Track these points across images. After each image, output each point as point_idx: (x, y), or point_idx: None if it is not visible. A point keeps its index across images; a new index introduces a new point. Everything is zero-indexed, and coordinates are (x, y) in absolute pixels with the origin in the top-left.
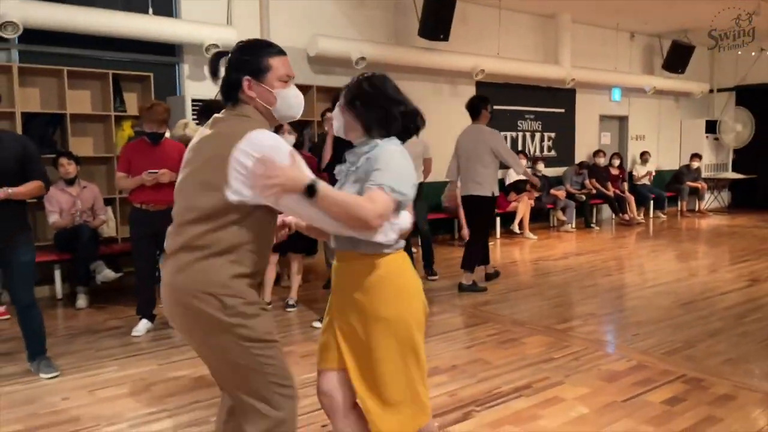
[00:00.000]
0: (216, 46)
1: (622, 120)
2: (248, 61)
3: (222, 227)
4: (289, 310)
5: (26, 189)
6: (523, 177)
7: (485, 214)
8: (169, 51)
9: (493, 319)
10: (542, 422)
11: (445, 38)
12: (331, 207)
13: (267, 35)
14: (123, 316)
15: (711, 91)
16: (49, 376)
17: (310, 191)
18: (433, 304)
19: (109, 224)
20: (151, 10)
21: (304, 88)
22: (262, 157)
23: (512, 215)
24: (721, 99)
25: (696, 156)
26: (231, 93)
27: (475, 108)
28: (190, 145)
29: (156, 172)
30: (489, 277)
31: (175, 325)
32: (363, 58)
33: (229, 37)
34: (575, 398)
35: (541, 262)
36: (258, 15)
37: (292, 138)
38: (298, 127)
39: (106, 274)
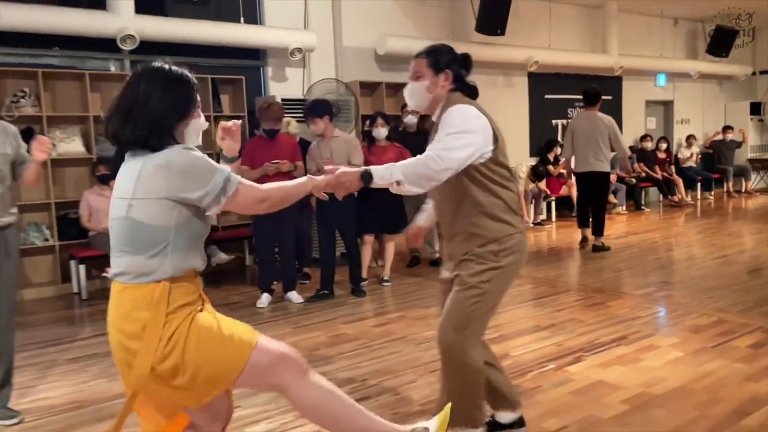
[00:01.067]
0: (299, 50)
1: (668, 105)
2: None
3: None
4: (384, 284)
5: None
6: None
7: (606, 187)
8: (256, 55)
9: (574, 288)
10: (645, 363)
11: (502, 33)
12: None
13: (340, 37)
14: (240, 292)
15: (753, 73)
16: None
17: (366, 179)
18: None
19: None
20: (242, 19)
21: (373, 85)
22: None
23: (568, 198)
24: (763, 81)
25: (728, 128)
26: None
27: (594, 97)
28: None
29: (277, 163)
30: (596, 248)
31: None
32: None
33: (307, 40)
34: (669, 345)
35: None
36: (331, 18)
37: (385, 130)
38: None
39: (220, 256)
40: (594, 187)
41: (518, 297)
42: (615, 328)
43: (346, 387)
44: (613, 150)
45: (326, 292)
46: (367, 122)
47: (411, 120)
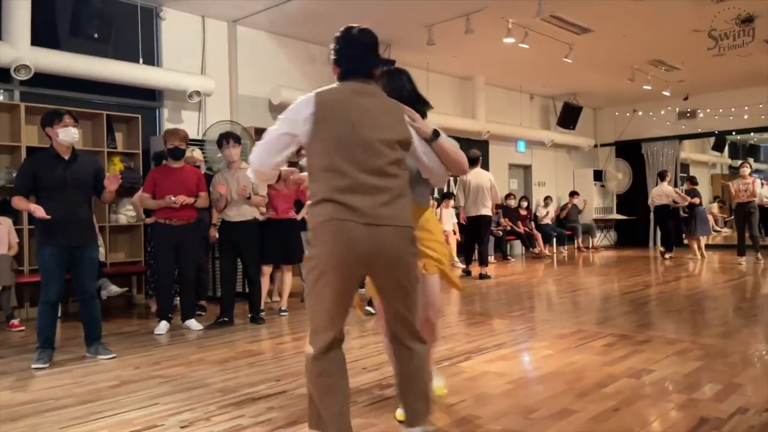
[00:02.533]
0: (198, 93)
1: (527, 168)
2: None
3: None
4: (282, 314)
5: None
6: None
7: (489, 226)
8: (152, 96)
9: (458, 312)
10: (523, 359)
11: None
12: (448, 149)
13: (235, 85)
14: (133, 324)
15: (596, 145)
16: (108, 356)
17: (435, 134)
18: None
19: (100, 250)
20: (141, 59)
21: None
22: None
23: None
24: (604, 152)
25: (575, 194)
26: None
27: (476, 160)
28: None
29: (178, 198)
30: (483, 276)
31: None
32: None
33: (205, 84)
34: (541, 347)
35: (478, 282)
36: (227, 66)
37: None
38: None
39: (111, 289)
40: (481, 226)
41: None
42: (496, 338)
43: (262, 385)
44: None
45: (226, 319)
46: None
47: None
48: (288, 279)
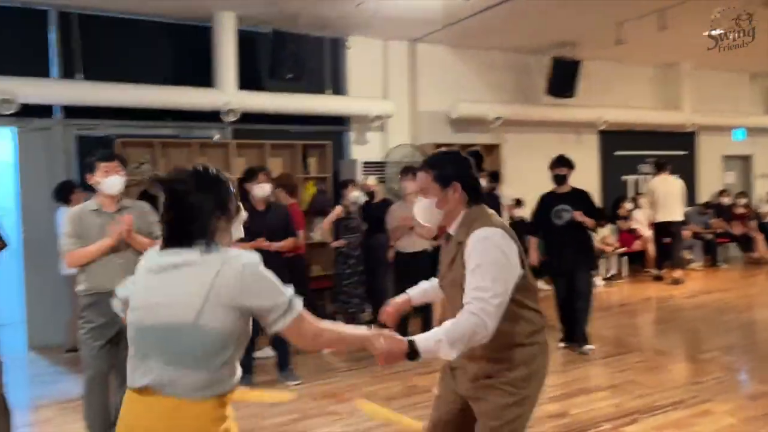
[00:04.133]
0: (379, 117)
1: (746, 159)
2: None
3: None
4: None
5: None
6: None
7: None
8: (340, 122)
9: (639, 348)
10: (697, 428)
11: (571, 95)
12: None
13: (415, 103)
14: None
15: None
16: (296, 383)
17: (411, 356)
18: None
19: None
20: (330, 89)
21: (446, 147)
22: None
23: (641, 254)
24: None
25: None
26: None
27: (663, 165)
28: None
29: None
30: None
31: None
32: (498, 118)
33: (386, 108)
34: (723, 412)
35: (673, 300)
36: (407, 88)
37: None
38: None
39: None
40: (671, 232)
41: (584, 356)
42: (673, 392)
43: None
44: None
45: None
46: None
47: (481, 183)
48: None
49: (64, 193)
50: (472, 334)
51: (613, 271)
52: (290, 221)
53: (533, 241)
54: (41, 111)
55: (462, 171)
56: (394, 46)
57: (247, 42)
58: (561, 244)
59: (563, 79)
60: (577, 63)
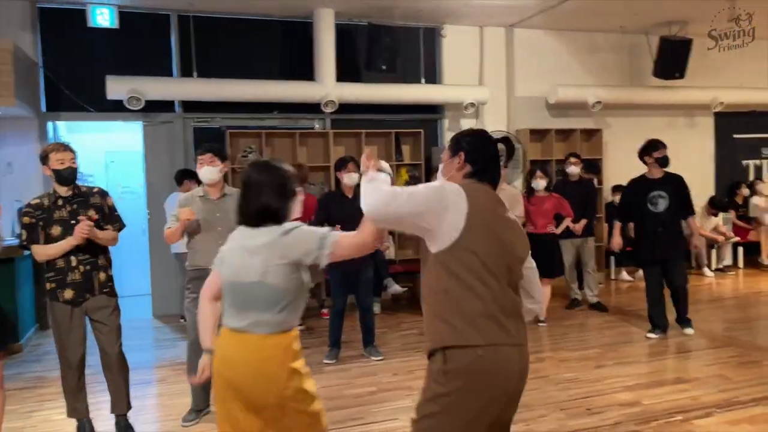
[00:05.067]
0: (472, 104)
1: None
2: None
3: None
4: (540, 325)
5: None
6: None
7: None
8: (434, 110)
9: (735, 343)
10: None
11: (681, 76)
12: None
13: (512, 89)
14: (411, 321)
15: None
16: (378, 358)
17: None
18: (674, 327)
19: (390, 249)
20: (423, 80)
21: (543, 132)
22: None
23: (756, 245)
24: None
25: None
26: None
27: None
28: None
29: None
30: None
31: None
32: (599, 102)
33: (481, 95)
34: None
35: None
36: (505, 73)
37: (543, 182)
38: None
39: (395, 288)
40: None
41: (673, 348)
42: (759, 388)
43: None
44: None
45: None
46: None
47: (573, 170)
48: (547, 292)
49: (179, 179)
50: (380, 189)
51: (726, 262)
52: None
53: (617, 226)
54: (164, 106)
55: (473, 146)
56: (489, 32)
57: (344, 35)
58: (655, 233)
59: (672, 59)
60: (689, 42)
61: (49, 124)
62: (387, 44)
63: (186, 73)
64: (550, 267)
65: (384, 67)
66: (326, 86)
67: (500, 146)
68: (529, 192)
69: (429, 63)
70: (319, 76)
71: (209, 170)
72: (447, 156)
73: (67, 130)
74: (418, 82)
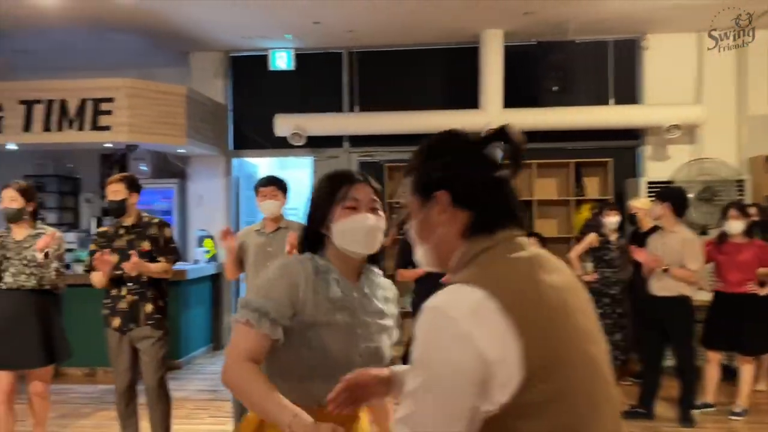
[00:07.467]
0: (677, 126)
1: None
2: None
3: None
4: (733, 417)
5: None
6: None
7: None
8: (629, 135)
9: None
10: None
11: None
12: None
13: (744, 107)
14: None
15: None
16: None
17: None
18: None
19: None
20: (612, 101)
21: None
22: None
23: None
24: None
25: None
26: None
27: None
28: None
29: None
30: None
31: None
32: None
33: (693, 114)
34: None
35: None
36: (732, 89)
37: (740, 223)
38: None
39: None
40: None
41: None
42: None
43: None
44: None
45: (642, 411)
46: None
47: None
48: (746, 372)
49: None
50: None
51: None
52: None
53: None
54: (334, 141)
55: (457, 167)
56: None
57: (512, 58)
58: None
59: None
60: None
61: (235, 161)
62: (559, 63)
63: (351, 107)
64: (750, 341)
65: (555, 89)
66: (489, 114)
67: (497, 149)
68: (720, 237)
69: (621, 80)
70: (482, 103)
71: (271, 204)
72: (415, 205)
73: (279, 166)
74: (605, 103)
